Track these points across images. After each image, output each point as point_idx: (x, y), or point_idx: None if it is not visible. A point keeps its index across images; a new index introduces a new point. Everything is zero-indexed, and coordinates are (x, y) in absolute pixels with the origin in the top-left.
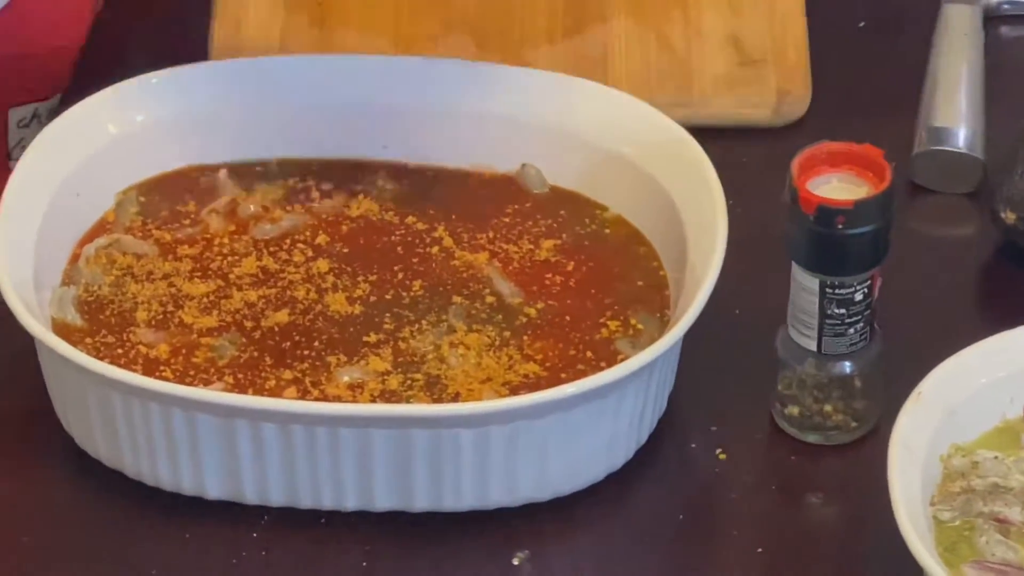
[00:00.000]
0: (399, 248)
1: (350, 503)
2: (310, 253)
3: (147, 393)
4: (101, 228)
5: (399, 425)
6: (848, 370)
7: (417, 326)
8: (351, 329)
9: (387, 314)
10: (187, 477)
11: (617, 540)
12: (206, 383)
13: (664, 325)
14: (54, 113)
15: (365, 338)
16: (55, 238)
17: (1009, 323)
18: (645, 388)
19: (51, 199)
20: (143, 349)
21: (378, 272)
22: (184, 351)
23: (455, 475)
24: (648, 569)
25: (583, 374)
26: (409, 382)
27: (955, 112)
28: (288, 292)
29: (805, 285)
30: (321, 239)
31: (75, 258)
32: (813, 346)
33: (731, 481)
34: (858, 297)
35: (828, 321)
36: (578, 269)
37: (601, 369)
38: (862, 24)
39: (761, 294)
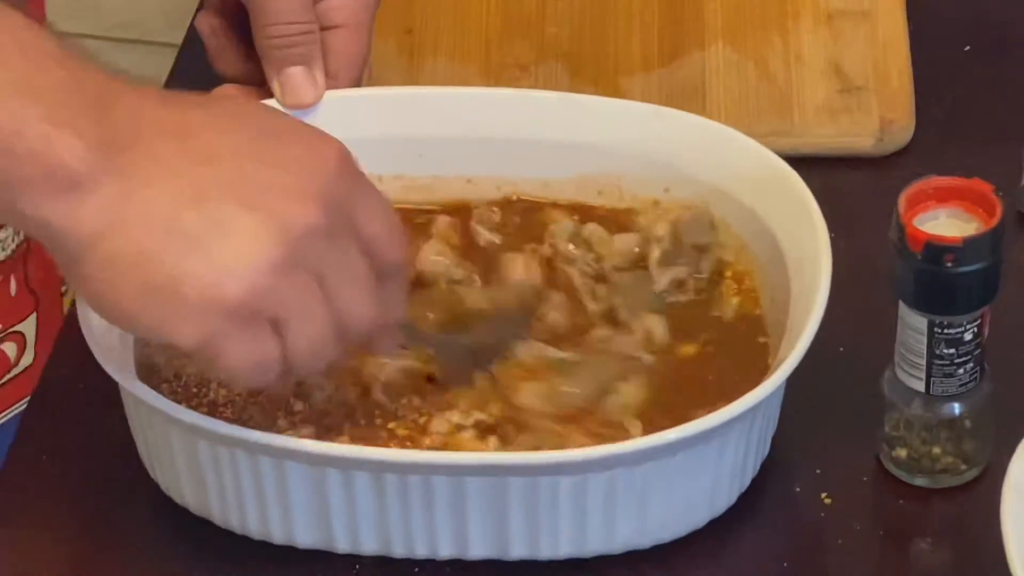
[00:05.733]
0: None
1: (444, 551)
2: None
3: (234, 441)
4: None
5: (495, 473)
6: (957, 411)
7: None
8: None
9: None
10: (276, 526)
11: None
12: (293, 428)
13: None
14: None
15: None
16: None
17: None
18: (748, 432)
19: None
20: (226, 393)
21: None
22: (268, 396)
23: (552, 523)
24: None
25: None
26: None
27: None
28: None
29: (913, 325)
30: None
31: None
32: (921, 387)
33: (837, 526)
34: (968, 336)
35: (937, 361)
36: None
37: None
38: (967, 48)
39: (866, 331)
